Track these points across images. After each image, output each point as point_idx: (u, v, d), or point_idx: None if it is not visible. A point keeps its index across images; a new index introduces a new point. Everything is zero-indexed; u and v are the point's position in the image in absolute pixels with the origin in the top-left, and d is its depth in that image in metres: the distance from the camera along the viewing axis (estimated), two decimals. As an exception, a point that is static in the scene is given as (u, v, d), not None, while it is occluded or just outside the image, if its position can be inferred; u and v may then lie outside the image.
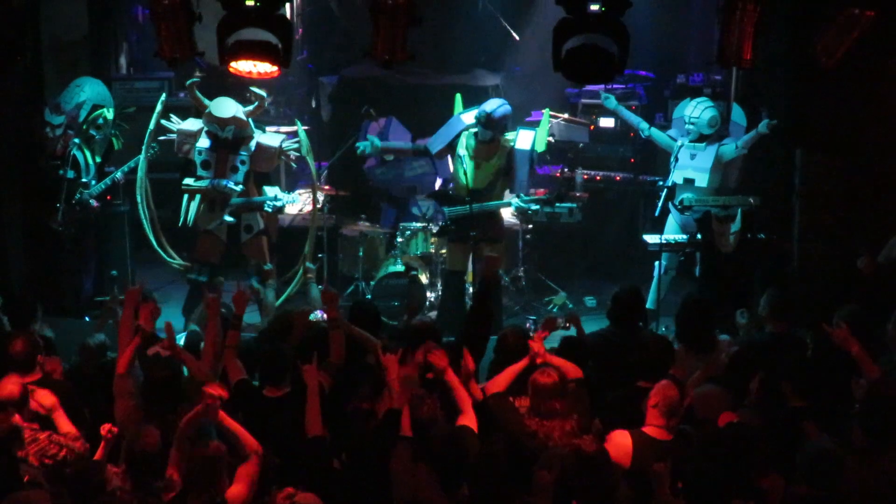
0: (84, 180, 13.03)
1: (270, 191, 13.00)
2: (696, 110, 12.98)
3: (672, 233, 13.06)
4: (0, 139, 12.37)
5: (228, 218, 12.86)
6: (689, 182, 12.92)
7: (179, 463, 7.34)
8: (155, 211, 13.37)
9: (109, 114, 13.23)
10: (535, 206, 12.88)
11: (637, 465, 7.38)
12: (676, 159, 12.88)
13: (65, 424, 8.15)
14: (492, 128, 12.41)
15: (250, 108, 12.84)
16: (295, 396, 8.12)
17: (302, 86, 17.19)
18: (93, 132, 13.04)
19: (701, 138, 12.95)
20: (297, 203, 13.43)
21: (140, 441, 7.44)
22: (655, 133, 13.27)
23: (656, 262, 13.38)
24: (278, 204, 12.92)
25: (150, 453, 7.46)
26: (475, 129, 12.54)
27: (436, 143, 12.93)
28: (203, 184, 12.79)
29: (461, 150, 12.52)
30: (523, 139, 12.92)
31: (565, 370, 8.15)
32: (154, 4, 9.16)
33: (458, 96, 13.81)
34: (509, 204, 12.68)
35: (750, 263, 12.54)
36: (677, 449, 7.53)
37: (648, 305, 11.89)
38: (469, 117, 12.78)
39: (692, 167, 12.91)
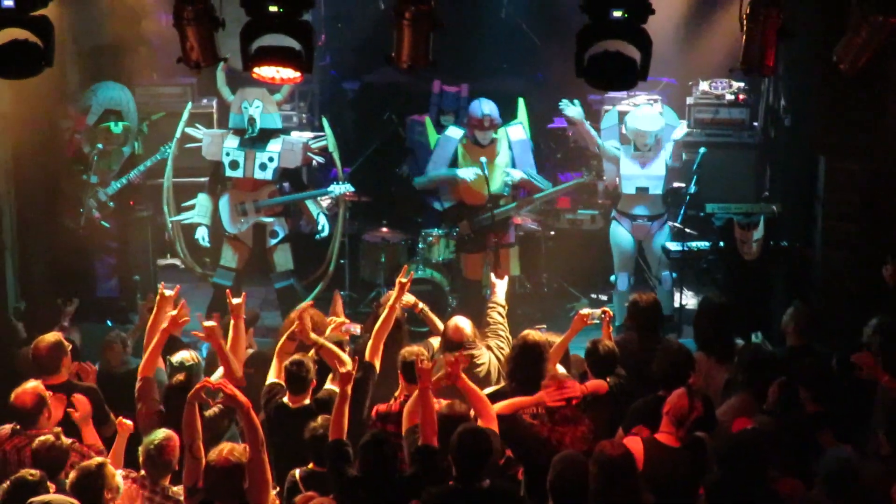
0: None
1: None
2: (658, 121, 13.00)
3: (625, 243, 13.14)
4: (24, 144, 12.44)
5: (266, 218, 12.93)
6: (642, 191, 12.95)
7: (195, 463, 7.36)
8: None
9: (117, 128, 13.26)
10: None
11: (648, 470, 7.39)
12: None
13: (90, 436, 8.21)
14: (493, 127, 12.67)
15: (278, 96, 12.95)
16: (313, 409, 8.22)
17: (325, 92, 17.22)
18: (99, 146, 13.07)
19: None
20: (351, 190, 13.36)
21: (158, 447, 7.49)
22: (606, 147, 13.28)
23: (612, 277, 13.39)
24: (333, 194, 13.07)
25: (170, 459, 7.52)
26: (469, 138, 12.73)
27: (438, 164, 13.01)
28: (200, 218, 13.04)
29: (463, 162, 12.68)
30: (514, 133, 13.00)
31: (593, 389, 8.24)
32: (177, 11, 9.18)
33: (522, 100, 13.68)
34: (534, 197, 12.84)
35: (772, 271, 12.53)
36: (687, 456, 7.57)
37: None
38: (455, 131, 12.93)
39: (645, 177, 12.92)
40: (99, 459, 7.25)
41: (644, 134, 12.95)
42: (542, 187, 13.07)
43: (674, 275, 13.05)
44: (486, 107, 12.71)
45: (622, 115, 13.46)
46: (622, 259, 13.29)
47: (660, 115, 13.15)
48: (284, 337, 8.71)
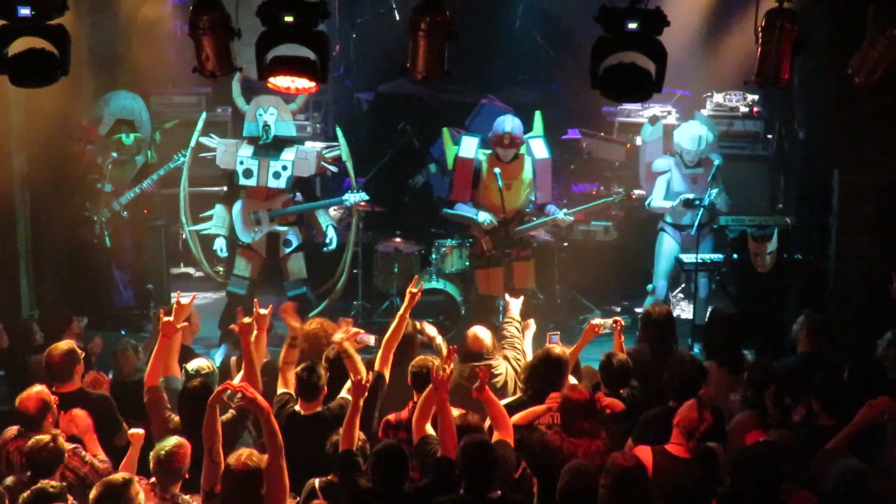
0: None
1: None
2: (703, 142, 13.00)
3: (671, 252, 13.23)
4: (40, 153, 12.48)
5: (280, 227, 12.94)
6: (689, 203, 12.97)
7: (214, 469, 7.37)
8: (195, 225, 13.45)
9: (128, 139, 13.28)
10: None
11: (657, 480, 7.41)
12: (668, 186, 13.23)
13: (93, 449, 8.21)
14: (515, 146, 12.50)
15: (293, 105, 12.97)
16: (325, 416, 8.23)
17: (339, 102, 17.26)
18: (114, 154, 13.10)
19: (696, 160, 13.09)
20: (365, 198, 13.31)
21: (168, 454, 7.48)
22: (656, 205, 13.36)
23: (649, 286, 13.39)
24: (348, 203, 13.05)
25: (180, 466, 7.51)
26: (488, 153, 12.60)
27: (461, 193, 12.86)
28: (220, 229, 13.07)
29: (487, 177, 12.54)
30: (538, 149, 12.93)
31: (609, 403, 8.25)
32: (193, 20, 9.21)
33: (539, 113, 13.45)
34: (555, 218, 12.73)
35: (786, 283, 12.51)
36: (696, 467, 7.59)
37: None
38: (470, 149, 12.71)
39: (695, 192, 12.92)
40: (124, 475, 7.21)
41: (687, 151, 13.05)
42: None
43: (712, 285, 13.07)
44: (508, 124, 12.54)
45: (668, 128, 13.50)
46: (665, 268, 13.37)
47: (704, 133, 13.12)
48: (286, 346, 8.71)
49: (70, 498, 7.25)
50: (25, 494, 7.08)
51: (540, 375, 8.46)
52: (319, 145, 13.62)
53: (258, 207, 12.94)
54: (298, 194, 13.45)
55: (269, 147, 12.89)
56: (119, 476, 7.17)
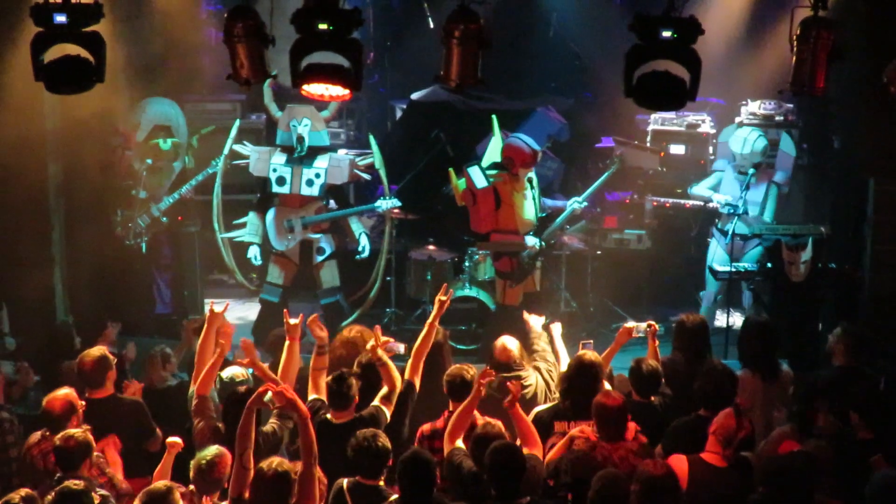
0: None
1: None
2: (748, 144, 12.97)
3: (719, 260, 13.15)
4: (75, 160, 12.53)
5: (313, 235, 12.95)
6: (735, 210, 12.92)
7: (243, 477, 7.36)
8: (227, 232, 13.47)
9: (165, 144, 13.31)
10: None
11: (692, 490, 7.39)
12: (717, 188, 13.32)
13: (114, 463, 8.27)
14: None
15: (326, 112, 12.97)
16: (357, 425, 8.14)
17: (373, 109, 17.26)
18: (149, 161, 13.14)
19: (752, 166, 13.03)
20: (398, 205, 13.26)
21: (210, 464, 7.47)
22: (696, 191, 13.48)
23: (702, 293, 13.35)
24: (380, 209, 13.10)
25: (220, 476, 7.50)
26: (493, 173, 12.46)
27: (488, 222, 12.62)
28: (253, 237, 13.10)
29: (507, 197, 12.45)
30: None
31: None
32: (228, 28, 9.24)
33: (495, 117, 13.32)
34: (572, 210, 12.74)
35: (820, 293, 12.45)
36: (732, 476, 7.56)
37: None
38: (481, 178, 12.44)
39: (744, 198, 12.87)
40: (166, 483, 7.23)
41: (736, 155, 13.13)
42: (563, 207, 12.94)
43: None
44: (531, 142, 12.42)
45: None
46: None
47: (758, 140, 13.12)
48: (315, 353, 8.70)
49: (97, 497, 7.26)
50: (50, 497, 7.09)
51: (576, 384, 8.43)
52: (352, 153, 13.63)
53: (291, 215, 12.96)
54: (332, 202, 13.46)
55: (303, 156, 12.89)
56: (161, 484, 7.19)
